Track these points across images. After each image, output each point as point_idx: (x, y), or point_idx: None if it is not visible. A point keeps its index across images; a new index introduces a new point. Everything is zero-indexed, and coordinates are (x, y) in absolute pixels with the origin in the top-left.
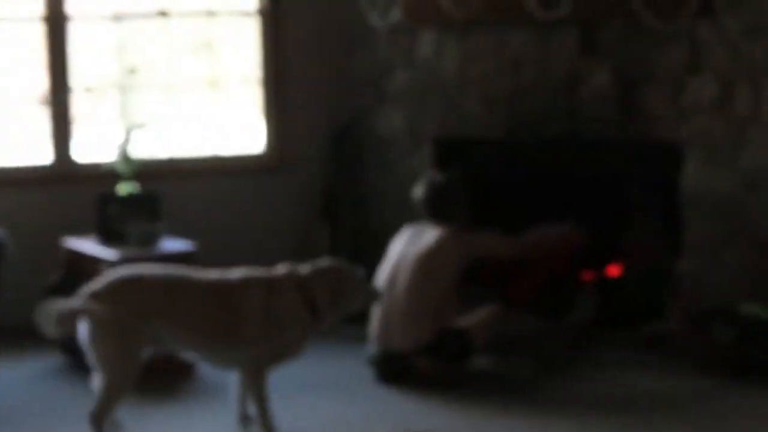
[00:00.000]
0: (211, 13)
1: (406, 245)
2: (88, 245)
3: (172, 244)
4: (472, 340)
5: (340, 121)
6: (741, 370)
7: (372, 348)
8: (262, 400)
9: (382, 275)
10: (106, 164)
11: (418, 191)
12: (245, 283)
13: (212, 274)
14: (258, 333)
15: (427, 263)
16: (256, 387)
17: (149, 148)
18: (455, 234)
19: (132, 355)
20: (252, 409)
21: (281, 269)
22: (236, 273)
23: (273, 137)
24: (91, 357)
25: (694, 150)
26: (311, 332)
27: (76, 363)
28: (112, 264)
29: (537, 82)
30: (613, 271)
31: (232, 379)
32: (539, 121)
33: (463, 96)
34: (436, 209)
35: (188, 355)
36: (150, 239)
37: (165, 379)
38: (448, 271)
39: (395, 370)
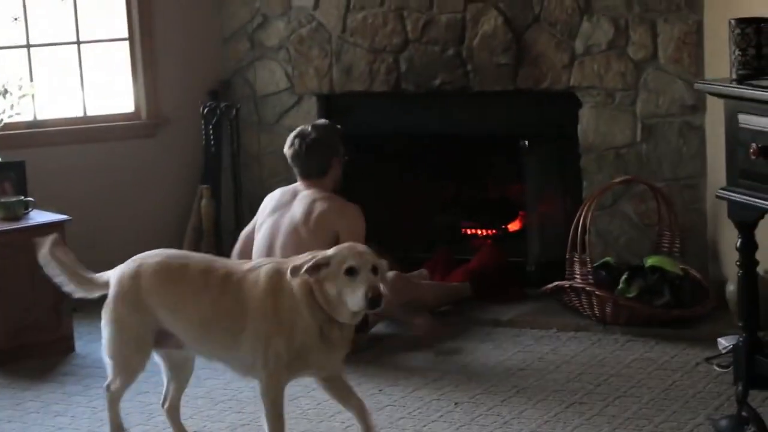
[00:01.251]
0: None
1: (279, 212)
2: None
3: (42, 216)
4: None
5: (216, 77)
6: (645, 323)
7: None
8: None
9: (257, 246)
10: None
11: (287, 145)
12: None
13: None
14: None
15: (309, 233)
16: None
17: (12, 112)
18: (330, 199)
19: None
20: None
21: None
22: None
23: (144, 96)
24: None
25: (588, 97)
26: None
27: None
28: None
29: (423, 31)
30: (514, 226)
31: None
32: (427, 72)
33: (345, 47)
34: (305, 164)
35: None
36: (17, 211)
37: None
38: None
39: None
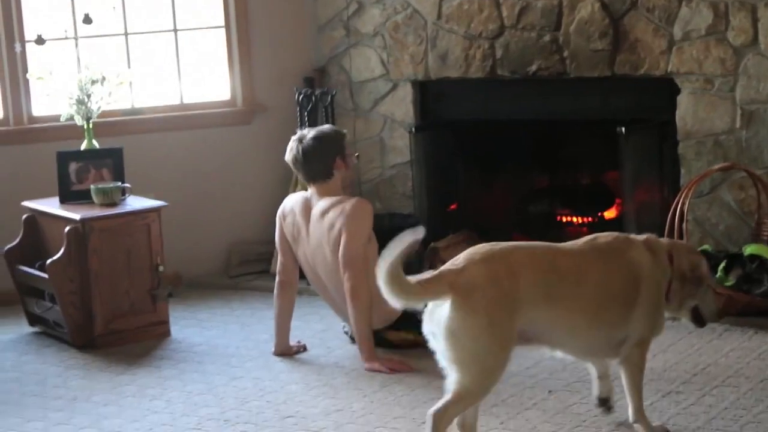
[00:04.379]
0: None
1: (302, 241)
2: (48, 205)
3: (138, 201)
4: None
5: (311, 64)
6: (743, 312)
7: (345, 325)
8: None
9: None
10: (65, 117)
11: (287, 151)
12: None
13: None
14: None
15: (353, 252)
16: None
17: (110, 99)
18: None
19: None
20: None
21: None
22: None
23: (240, 84)
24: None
25: (687, 83)
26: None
27: (45, 332)
28: (75, 223)
29: (519, 17)
30: (610, 213)
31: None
32: (523, 58)
33: (441, 33)
34: (307, 169)
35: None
36: (114, 197)
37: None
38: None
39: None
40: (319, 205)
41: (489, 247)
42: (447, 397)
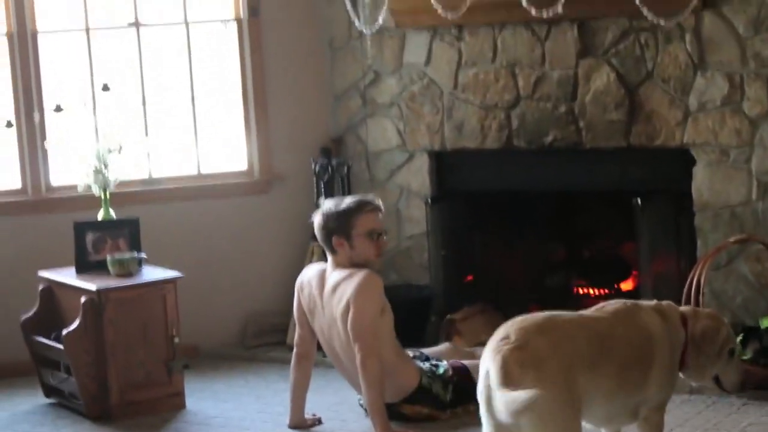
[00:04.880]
0: (186, 23)
1: (318, 315)
2: (65, 276)
3: (155, 272)
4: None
5: (328, 134)
6: (761, 386)
7: (361, 397)
8: None
9: (320, 329)
10: (82, 187)
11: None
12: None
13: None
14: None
15: (362, 325)
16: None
17: (126, 169)
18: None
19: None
20: None
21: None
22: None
23: (257, 154)
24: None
25: (703, 154)
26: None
27: (60, 404)
28: (91, 294)
29: (535, 87)
30: (627, 285)
31: None
32: (539, 129)
33: (457, 104)
34: (319, 241)
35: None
36: (131, 267)
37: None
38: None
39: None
40: (332, 278)
41: (533, 318)
42: None
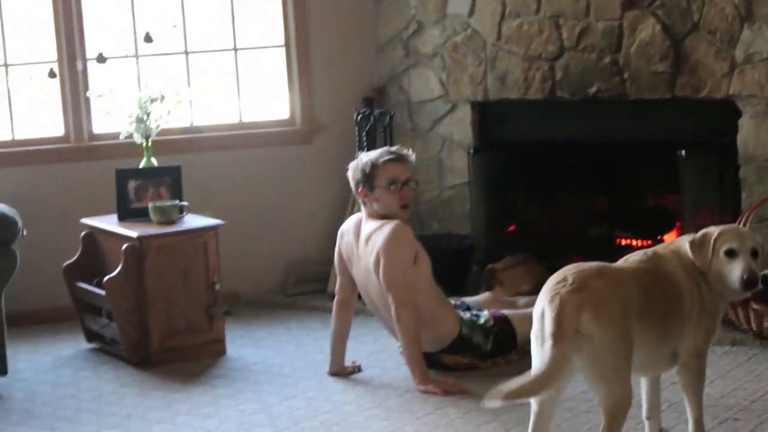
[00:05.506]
0: None
1: (355, 265)
2: (107, 223)
3: (196, 220)
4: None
5: (370, 84)
6: None
7: (399, 345)
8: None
9: (357, 278)
10: (124, 135)
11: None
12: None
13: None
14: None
15: (393, 276)
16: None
17: (169, 118)
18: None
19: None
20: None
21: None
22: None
23: (299, 103)
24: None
25: (749, 106)
26: None
27: (102, 349)
28: (132, 241)
29: (579, 39)
30: (670, 237)
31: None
32: (583, 80)
33: (500, 55)
34: (355, 192)
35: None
36: (172, 215)
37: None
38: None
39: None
40: (365, 228)
41: (587, 265)
42: (604, 421)
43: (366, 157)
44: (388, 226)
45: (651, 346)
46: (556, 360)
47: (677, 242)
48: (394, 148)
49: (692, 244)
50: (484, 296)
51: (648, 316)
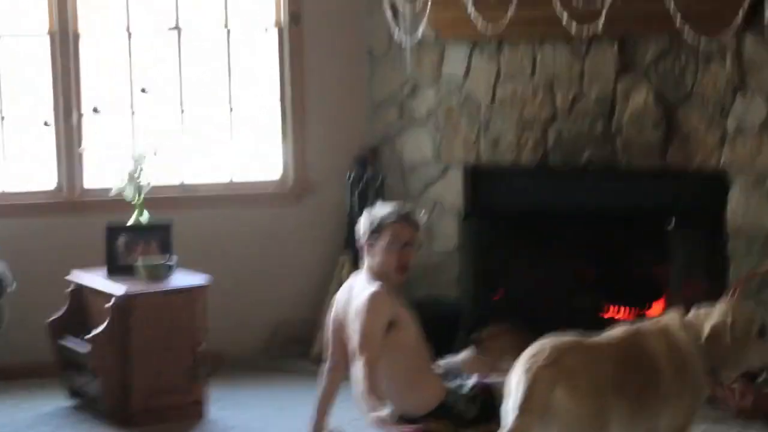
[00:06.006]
0: (227, 29)
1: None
2: (94, 278)
3: (184, 278)
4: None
5: (364, 145)
6: None
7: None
8: None
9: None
10: (115, 191)
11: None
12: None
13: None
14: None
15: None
16: None
17: (161, 174)
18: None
19: None
20: None
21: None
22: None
23: (292, 163)
24: None
25: (739, 178)
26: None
27: (83, 406)
28: (118, 299)
29: (572, 104)
30: (657, 309)
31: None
32: (575, 147)
33: (494, 118)
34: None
35: None
36: (160, 272)
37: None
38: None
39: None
40: (356, 287)
41: (563, 340)
42: None
43: (378, 210)
44: (367, 291)
45: (626, 423)
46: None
47: (665, 320)
48: (405, 210)
49: (708, 340)
50: (466, 354)
51: (622, 393)
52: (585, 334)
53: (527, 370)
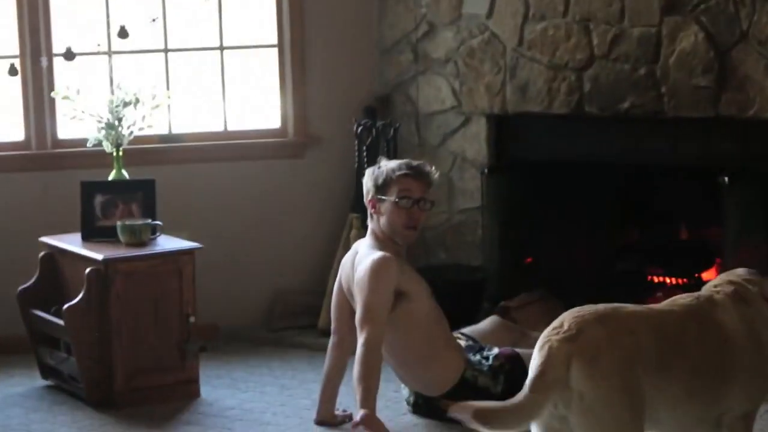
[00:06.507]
0: None
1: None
2: (69, 242)
3: (170, 242)
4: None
5: (374, 92)
6: None
7: (404, 389)
8: None
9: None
10: (92, 141)
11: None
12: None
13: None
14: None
15: (364, 311)
16: None
17: (144, 124)
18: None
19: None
20: None
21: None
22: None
23: (292, 112)
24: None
25: None
26: None
27: (59, 386)
28: (96, 265)
29: (611, 46)
30: (710, 276)
31: None
32: (614, 94)
33: (521, 62)
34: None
35: None
36: (143, 235)
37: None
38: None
39: (428, 411)
40: (360, 251)
41: (594, 308)
42: None
43: (384, 165)
44: (371, 257)
45: (678, 406)
46: (524, 407)
47: (733, 282)
48: (415, 163)
49: None
50: (489, 322)
51: (672, 370)
52: (628, 302)
53: (543, 345)
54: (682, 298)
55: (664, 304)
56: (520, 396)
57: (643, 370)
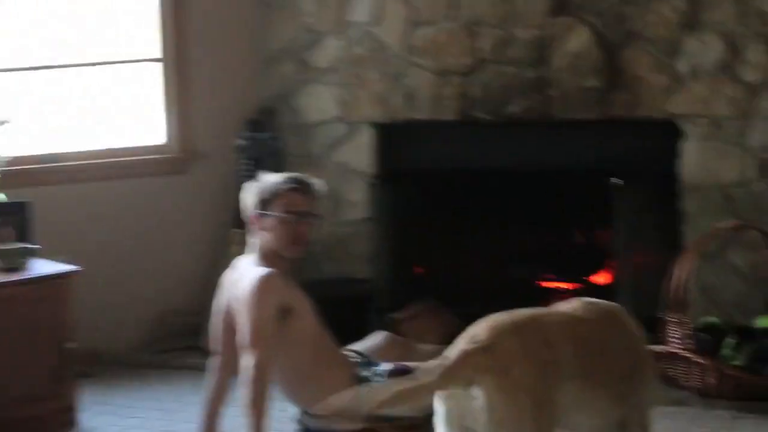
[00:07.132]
0: None
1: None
2: None
3: (47, 267)
4: None
5: (258, 105)
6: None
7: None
8: None
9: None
10: None
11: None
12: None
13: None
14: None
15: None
16: None
17: (17, 144)
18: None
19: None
20: None
21: None
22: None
23: (176, 127)
24: None
25: (693, 126)
26: None
27: None
28: None
29: (498, 50)
30: (601, 278)
31: None
32: (502, 98)
33: (408, 69)
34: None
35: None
36: (17, 260)
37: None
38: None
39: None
40: (240, 269)
41: (509, 317)
42: None
43: (266, 180)
44: (255, 274)
45: (597, 411)
46: (426, 388)
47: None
48: (299, 176)
49: None
50: (378, 338)
51: (593, 378)
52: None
53: (459, 351)
54: (575, 303)
55: (573, 306)
56: (427, 378)
57: (561, 380)
